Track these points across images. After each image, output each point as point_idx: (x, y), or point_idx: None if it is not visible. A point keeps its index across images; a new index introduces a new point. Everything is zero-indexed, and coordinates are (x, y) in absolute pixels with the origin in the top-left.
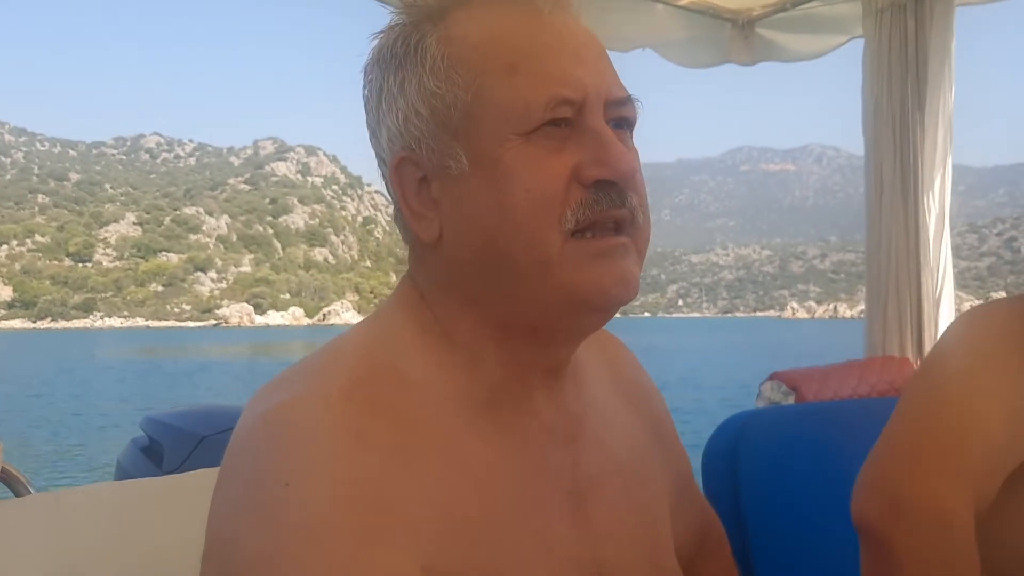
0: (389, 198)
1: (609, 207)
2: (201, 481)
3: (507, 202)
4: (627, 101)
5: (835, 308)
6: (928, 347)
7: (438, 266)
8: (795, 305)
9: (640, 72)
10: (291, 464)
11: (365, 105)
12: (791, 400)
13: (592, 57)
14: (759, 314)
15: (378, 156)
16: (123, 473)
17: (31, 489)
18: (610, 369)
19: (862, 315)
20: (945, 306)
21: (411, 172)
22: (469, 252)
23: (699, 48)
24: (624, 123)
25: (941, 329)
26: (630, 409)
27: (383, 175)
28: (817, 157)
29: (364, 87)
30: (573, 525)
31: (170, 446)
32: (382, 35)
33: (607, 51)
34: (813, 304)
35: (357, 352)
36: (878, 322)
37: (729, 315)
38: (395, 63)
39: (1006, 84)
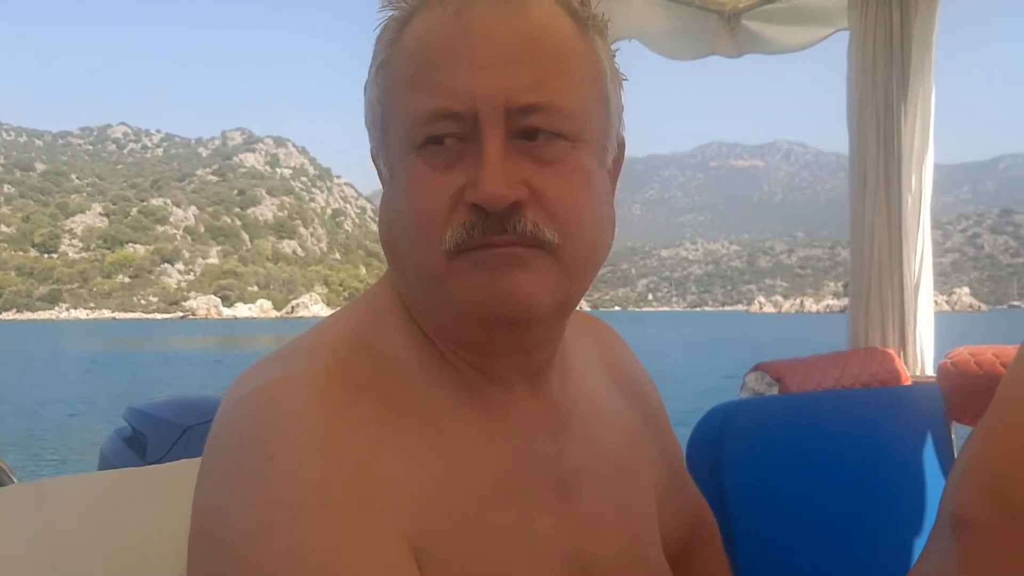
0: (358, 191)
1: (486, 233)
2: (184, 471)
3: (403, 217)
4: (536, 109)
5: (801, 302)
6: (910, 339)
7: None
8: (762, 299)
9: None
10: (277, 439)
11: None
12: (775, 390)
13: (500, 59)
14: (727, 308)
15: None
16: (106, 463)
17: (13, 479)
18: (603, 359)
19: (828, 310)
20: (923, 298)
21: (378, 168)
22: (388, 257)
23: (685, 40)
24: (539, 133)
25: (920, 321)
26: (622, 399)
27: None
28: (785, 153)
29: None
30: (556, 515)
31: (153, 436)
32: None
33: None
34: (780, 299)
35: (344, 334)
36: (861, 314)
37: (698, 309)
38: (371, 62)
39: (970, 83)
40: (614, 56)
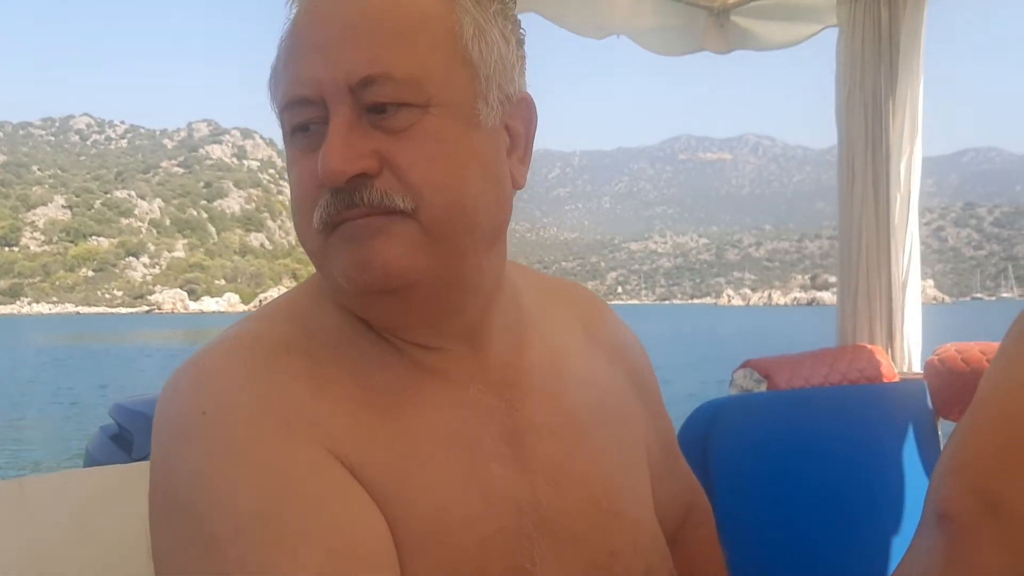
0: None
1: (339, 209)
2: None
3: (291, 199)
4: (372, 81)
5: (769, 295)
6: (898, 335)
7: None
8: (731, 292)
9: (580, 59)
10: (206, 396)
11: None
12: (763, 387)
13: (337, 40)
14: (696, 301)
15: None
16: (92, 461)
17: None
18: (586, 326)
19: (795, 302)
20: (911, 294)
21: None
22: None
23: (674, 36)
24: (386, 105)
25: (908, 318)
26: (607, 364)
27: None
28: (753, 147)
29: None
30: (509, 466)
31: (140, 433)
32: None
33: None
34: (748, 291)
35: (277, 306)
36: (849, 310)
37: (667, 302)
38: None
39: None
40: (503, 13)
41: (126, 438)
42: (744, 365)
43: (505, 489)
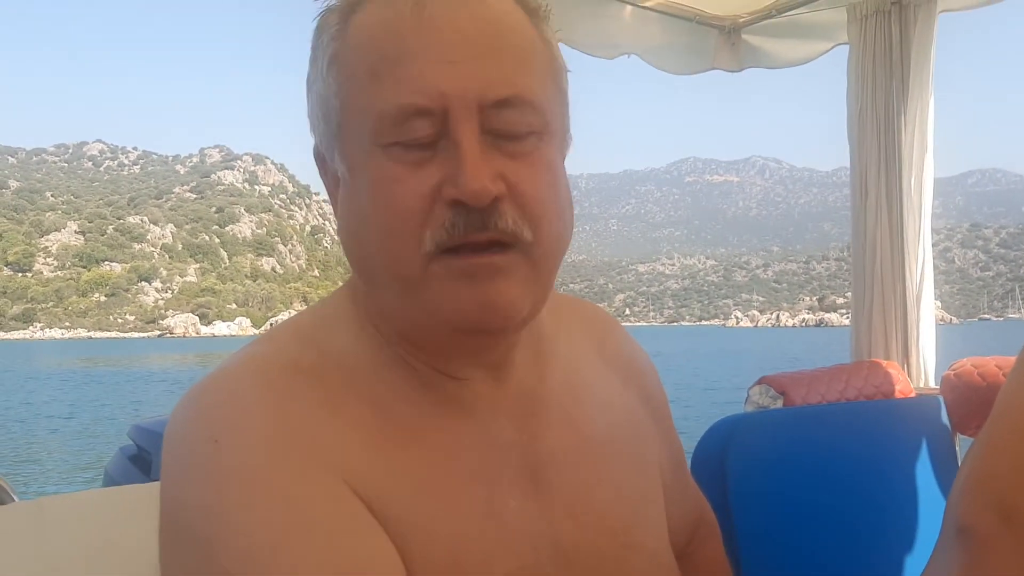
0: None
1: (468, 231)
2: None
3: (372, 219)
4: (510, 104)
5: (778, 317)
6: (913, 351)
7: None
8: (739, 314)
9: (585, 83)
10: (217, 423)
11: None
12: (779, 404)
13: (469, 53)
14: (704, 323)
15: None
16: (111, 481)
17: (14, 497)
18: (597, 346)
19: (804, 323)
20: (925, 310)
21: (325, 166)
22: (349, 258)
23: (685, 55)
24: (511, 128)
25: (923, 333)
26: (619, 383)
27: None
28: (760, 169)
29: None
30: (529, 500)
31: (158, 454)
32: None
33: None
34: (756, 313)
35: (292, 329)
36: (864, 326)
37: (675, 324)
38: (311, 55)
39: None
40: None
41: (144, 458)
42: (760, 382)
43: (523, 525)
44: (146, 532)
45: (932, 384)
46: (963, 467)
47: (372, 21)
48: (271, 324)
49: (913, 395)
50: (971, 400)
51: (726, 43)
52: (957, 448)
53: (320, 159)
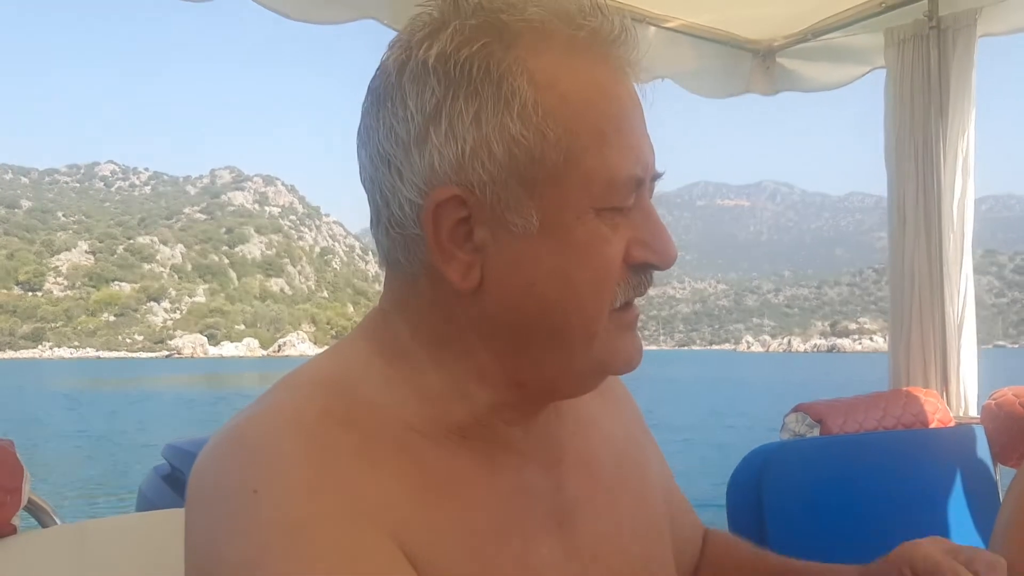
0: (347, 229)
1: (642, 291)
2: None
3: (576, 277)
4: (657, 178)
5: (789, 342)
6: (953, 379)
7: (453, 312)
8: (750, 339)
9: None
10: (255, 472)
11: (384, 104)
12: (816, 432)
13: (646, 129)
14: (715, 347)
15: (384, 166)
16: (145, 500)
17: (57, 520)
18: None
19: (815, 349)
20: (967, 337)
21: (455, 210)
22: (513, 314)
23: (719, 78)
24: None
25: (964, 360)
26: (616, 419)
27: (382, 187)
28: (771, 194)
29: (392, 85)
30: (558, 548)
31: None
32: (438, 38)
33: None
34: (767, 338)
35: (315, 376)
36: (902, 354)
37: (686, 348)
38: (468, 86)
39: None
40: None
41: (179, 478)
42: (796, 409)
43: (555, 573)
44: (183, 557)
45: (973, 413)
46: (1005, 504)
47: (578, 76)
48: (280, 346)
49: (953, 424)
50: (1012, 430)
51: (760, 67)
52: (998, 478)
53: (455, 203)
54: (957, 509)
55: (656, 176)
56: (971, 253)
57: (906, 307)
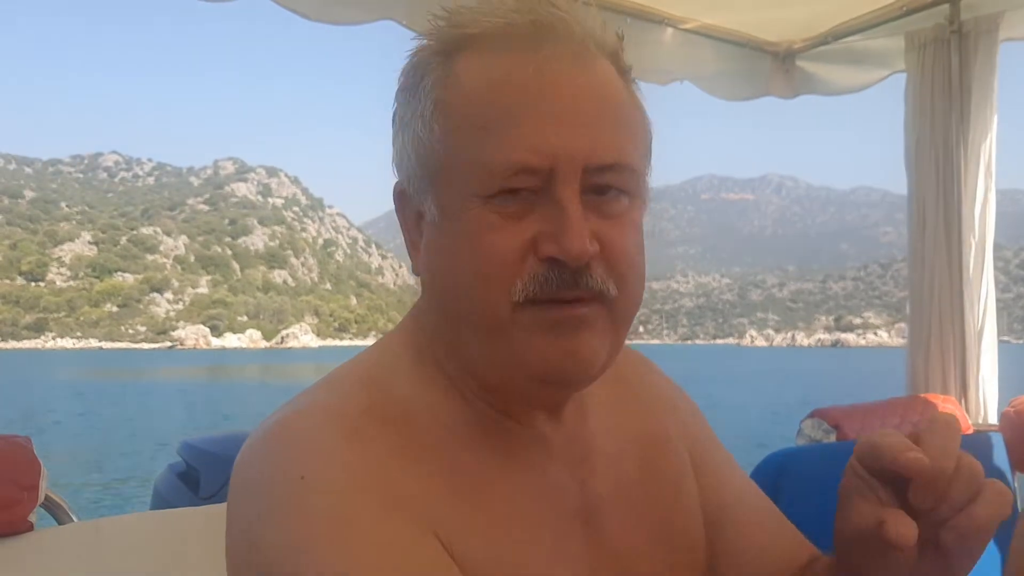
0: (350, 221)
1: (559, 288)
2: None
3: (461, 265)
4: (612, 169)
5: (793, 336)
6: (972, 385)
7: (428, 302)
8: (754, 333)
9: None
10: (301, 460)
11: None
12: (832, 438)
13: (580, 118)
14: (718, 341)
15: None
16: (159, 498)
17: (74, 517)
18: (625, 384)
19: (819, 343)
20: (987, 344)
21: (405, 203)
22: (436, 302)
23: (739, 81)
24: (608, 190)
25: (984, 366)
26: (650, 421)
27: None
28: (776, 187)
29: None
30: (586, 544)
31: (207, 472)
32: (408, 56)
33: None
34: (771, 332)
35: (353, 375)
36: (921, 359)
37: (689, 342)
38: (405, 94)
39: None
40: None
41: (193, 476)
42: (812, 415)
43: (583, 571)
44: (199, 555)
45: (992, 421)
46: None
47: (485, 72)
48: (282, 337)
49: (971, 432)
50: None
51: (780, 69)
52: (1016, 486)
53: (403, 197)
54: None
55: (595, 167)
56: (992, 259)
57: (925, 312)
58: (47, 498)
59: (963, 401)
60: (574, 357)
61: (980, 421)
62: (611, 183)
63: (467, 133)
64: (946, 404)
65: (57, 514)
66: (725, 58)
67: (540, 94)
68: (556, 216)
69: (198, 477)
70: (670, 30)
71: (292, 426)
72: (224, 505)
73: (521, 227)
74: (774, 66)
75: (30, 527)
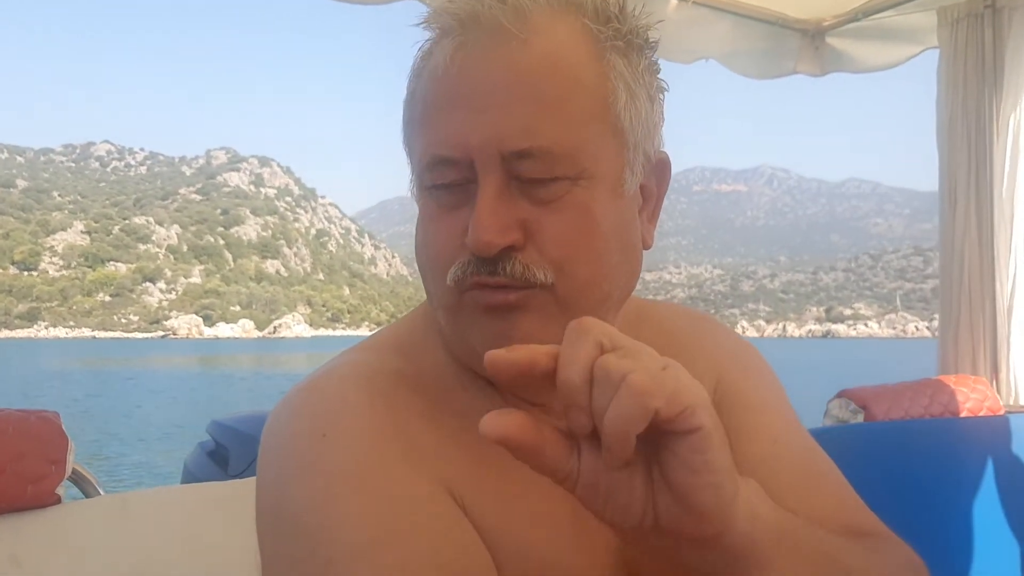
0: (342, 212)
1: (477, 275)
2: None
3: (418, 251)
4: (527, 155)
5: (784, 327)
6: (1003, 366)
7: None
8: (745, 324)
9: None
10: (325, 419)
11: None
12: (860, 418)
13: (494, 104)
14: None
15: None
16: (189, 475)
17: (100, 491)
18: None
19: (810, 334)
20: (1017, 324)
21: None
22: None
23: (767, 59)
24: (533, 180)
25: (1015, 346)
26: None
27: None
28: (768, 179)
29: None
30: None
31: (236, 450)
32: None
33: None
34: (762, 323)
35: (391, 340)
36: (951, 339)
37: None
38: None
39: None
40: (651, 69)
41: (222, 454)
42: (839, 395)
43: (600, 536)
44: (225, 528)
45: (1023, 402)
46: None
47: (422, 63)
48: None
49: (1003, 413)
50: None
51: (809, 47)
52: None
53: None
54: (1007, 499)
55: (511, 154)
56: (1023, 236)
57: (955, 292)
58: (74, 471)
59: (994, 382)
60: (507, 339)
61: (1011, 402)
62: (533, 170)
63: (407, 127)
64: (977, 385)
65: (84, 487)
66: (753, 37)
67: (458, 82)
68: (475, 208)
69: (227, 455)
70: (695, 8)
71: (321, 385)
72: (249, 480)
73: (456, 217)
74: (803, 43)
75: (58, 500)
